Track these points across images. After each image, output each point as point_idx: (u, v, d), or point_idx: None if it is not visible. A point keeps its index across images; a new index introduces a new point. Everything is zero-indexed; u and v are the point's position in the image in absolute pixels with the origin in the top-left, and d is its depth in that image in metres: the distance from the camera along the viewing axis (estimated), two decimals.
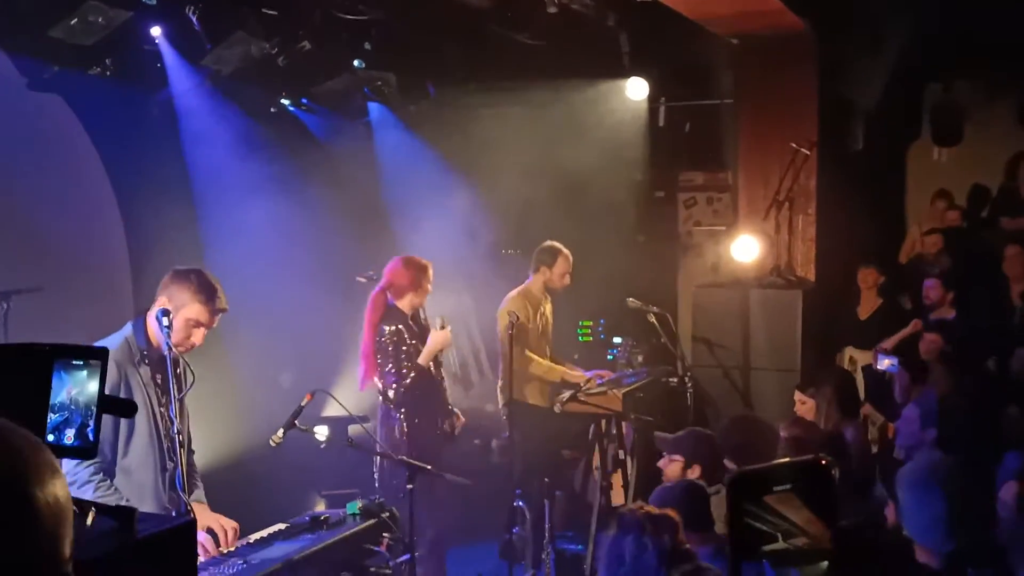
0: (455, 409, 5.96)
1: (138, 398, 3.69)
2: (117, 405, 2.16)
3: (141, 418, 3.71)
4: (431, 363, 5.64)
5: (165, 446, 3.76)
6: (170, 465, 3.76)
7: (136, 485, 3.72)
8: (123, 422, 3.68)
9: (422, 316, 5.81)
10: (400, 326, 5.56)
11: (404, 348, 5.53)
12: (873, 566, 3.14)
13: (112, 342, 3.73)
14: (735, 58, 7.93)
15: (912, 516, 3.11)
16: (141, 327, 3.80)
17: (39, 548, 1.14)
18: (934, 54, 7.98)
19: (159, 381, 3.81)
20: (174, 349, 3.66)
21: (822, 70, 7.75)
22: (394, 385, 5.53)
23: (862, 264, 7.83)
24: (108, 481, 3.64)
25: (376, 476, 5.55)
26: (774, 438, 5.33)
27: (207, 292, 3.77)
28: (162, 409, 3.79)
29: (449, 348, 5.64)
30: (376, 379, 5.64)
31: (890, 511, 3.62)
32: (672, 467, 4.77)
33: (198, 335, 3.80)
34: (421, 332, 5.67)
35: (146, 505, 3.67)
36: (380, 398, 5.68)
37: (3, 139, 5.89)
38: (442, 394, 5.82)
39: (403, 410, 5.55)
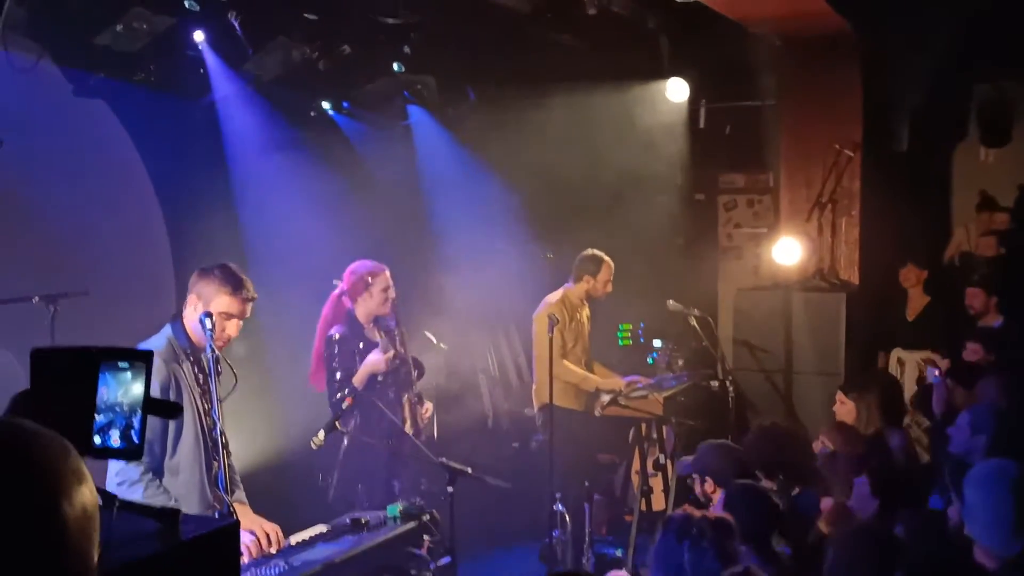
0: (425, 401, 5.52)
1: (185, 398, 3.75)
2: (162, 407, 2.18)
3: (188, 418, 3.77)
4: (395, 365, 5.28)
5: (208, 446, 3.79)
6: (214, 465, 3.80)
7: (183, 484, 3.76)
8: (172, 422, 3.73)
9: (395, 328, 5.41)
10: (347, 333, 5.25)
11: (347, 358, 5.20)
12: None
13: (156, 343, 3.79)
14: (777, 59, 7.85)
15: (978, 516, 3.11)
16: (180, 328, 3.85)
17: (67, 562, 1.14)
18: (981, 53, 7.83)
19: (200, 381, 3.85)
20: (216, 351, 3.69)
21: (866, 70, 7.65)
22: (334, 398, 5.16)
23: (900, 265, 7.69)
24: (157, 481, 3.69)
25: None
26: (805, 447, 5.25)
27: (233, 283, 3.83)
28: (205, 407, 3.82)
29: (388, 371, 5.21)
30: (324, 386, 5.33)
31: (954, 511, 3.58)
32: (696, 487, 4.73)
33: (232, 327, 3.86)
34: (384, 345, 5.27)
35: (192, 505, 3.72)
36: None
37: (49, 145, 5.98)
38: (402, 396, 5.39)
39: (346, 428, 5.00)
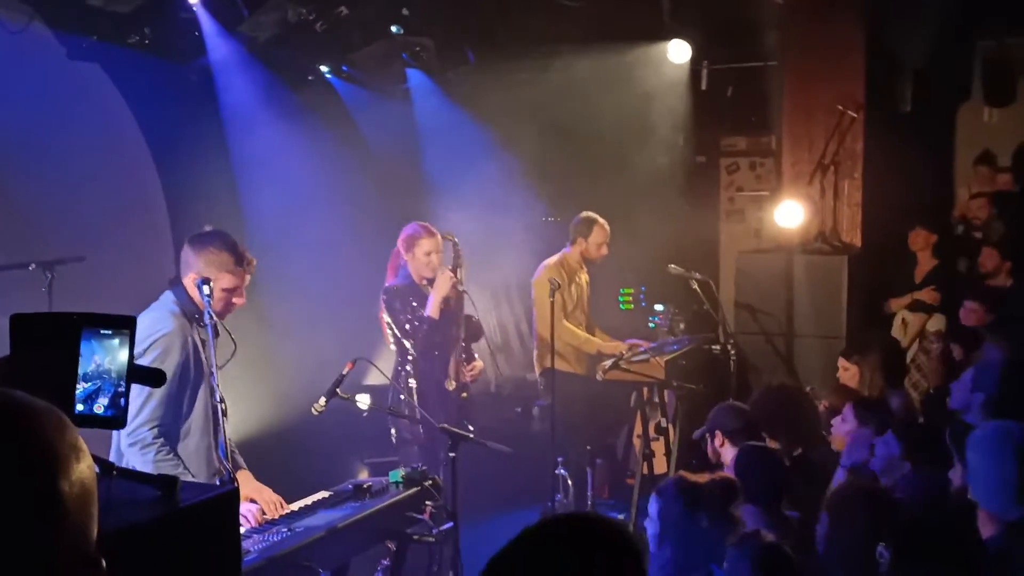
0: (472, 364, 5.86)
1: (203, 364, 3.73)
2: (147, 374, 2.15)
3: (203, 383, 3.76)
4: (444, 320, 5.58)
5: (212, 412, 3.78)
6: (218, 432, 3.80)
7: (192, 450, 3.77)
8: (188, 387, 3.73)
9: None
10: (403, 286, 5.59)
11: (406, 305, 5.53)
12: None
13: (165, 314, 3.76)
14: (779, 18, 7.73)
15: (981, 479, 3.08)
16: (183, 294, 3.81)
17: (66, 539, 1.11)
18: (986, 10, 7.73)
19: (204, 347, 3.84)
20: (214, 316, 3.66)
21: (869, 30, 7.55)
22: (411, 339, 5.52)
23: (910, 228, 7.65)
24: (168, 447, 3.68)
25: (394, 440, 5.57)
26: (810, 407, 5.25)
27: (235, 257, 3.81)
28: (212, 372, 3.80)
29: (458, 291, 5.59)
30: (386, 336, 5.64)
31: (956, 474, 3.56)
32: (708, 446, 4.73)
33: (239, 298, 3.86)
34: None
35: (200, 471, 3.73)
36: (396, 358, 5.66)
37: (43, 110, 5.91)
38: (449, 351, 5.72)
39: (410, 366, 5.52)
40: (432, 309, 5.50)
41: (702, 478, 3.52)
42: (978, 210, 8.09)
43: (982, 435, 3.15)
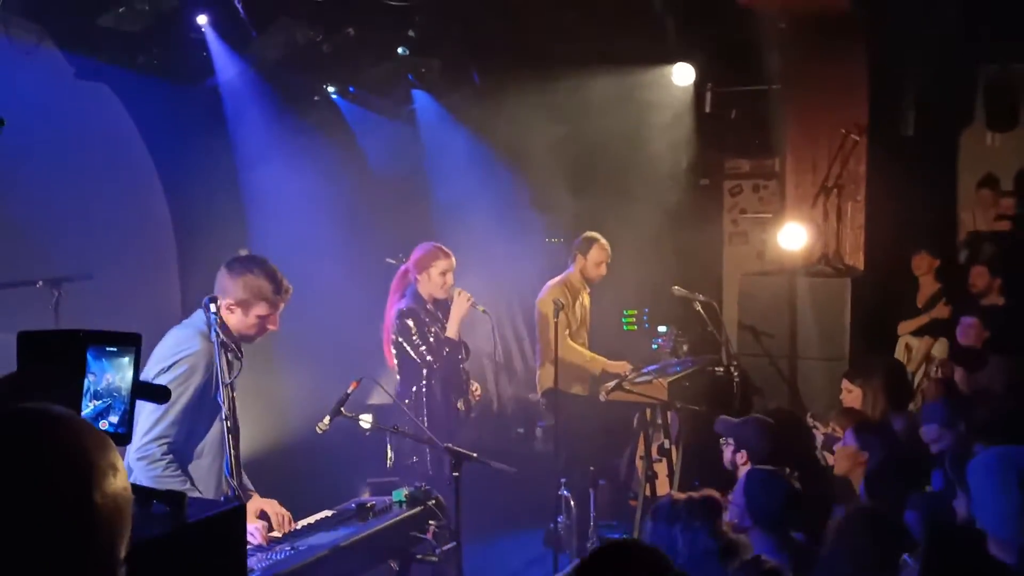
0: (473, 384, 5.87)
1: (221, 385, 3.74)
2: (152, 391, 2.16)
3: (221, 404, 3.75)
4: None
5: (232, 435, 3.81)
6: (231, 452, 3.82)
7: (205, 471, 3.79)
8: (207, 409, 3.74)
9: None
10: (414, 306, 5.55)
11: (422, 326, 5.52)
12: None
13: (194, 332, 3.77)
14: (783, 42, 7.78)
15: (986, 508, 3.02)
16: (215, 317, 3.83)
17: (95, 555, 1.13)
18: (988, 36, 7.78)
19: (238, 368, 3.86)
20: (220, 334, 3.68)
21: (872, 54, 7.60)
22: (429, 359, 5.50)
23: (915, 251, 7.68)
24: (176, 464, 3.67)
25: (413, 461, 5.56)
26: (805, 433, 5.22)
27: (274, 286, 3.83)
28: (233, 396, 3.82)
29: (470, 312, 5.59)
30: (393, 361, 5.63)
31: (960, 503, 3.51)
32: (727, 451, 4.73)
33: (272, 325, 3.89)
34: (438, 319, 5.62)
35: (209, 490, 3.73)
36: (398, 379, 5.68)
37: (52, 129, 5.95)
38: (461, 372, 5.75)
39: (425, 387, 5.53)
40: (452, 330, 5.53)
41: (685, 496, 3.54)
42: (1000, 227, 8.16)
43: (983, 462, 3.10)
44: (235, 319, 3.81)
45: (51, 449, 1.12)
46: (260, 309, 3.82)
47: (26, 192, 5.84)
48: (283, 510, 3.89)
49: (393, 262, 5.89)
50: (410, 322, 5.52)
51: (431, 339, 5.53)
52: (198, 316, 3.84)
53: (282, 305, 3.92)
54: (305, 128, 7.61)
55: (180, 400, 3.63)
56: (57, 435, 1.14)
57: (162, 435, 3.65)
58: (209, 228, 6.89)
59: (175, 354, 3.67)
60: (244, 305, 3.80)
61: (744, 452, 4.61)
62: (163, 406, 3.49)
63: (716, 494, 3.59)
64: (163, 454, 3.64)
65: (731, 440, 4.71)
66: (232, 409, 3.72)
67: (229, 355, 3.79)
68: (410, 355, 5.55)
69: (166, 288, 6.72)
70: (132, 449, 3.61)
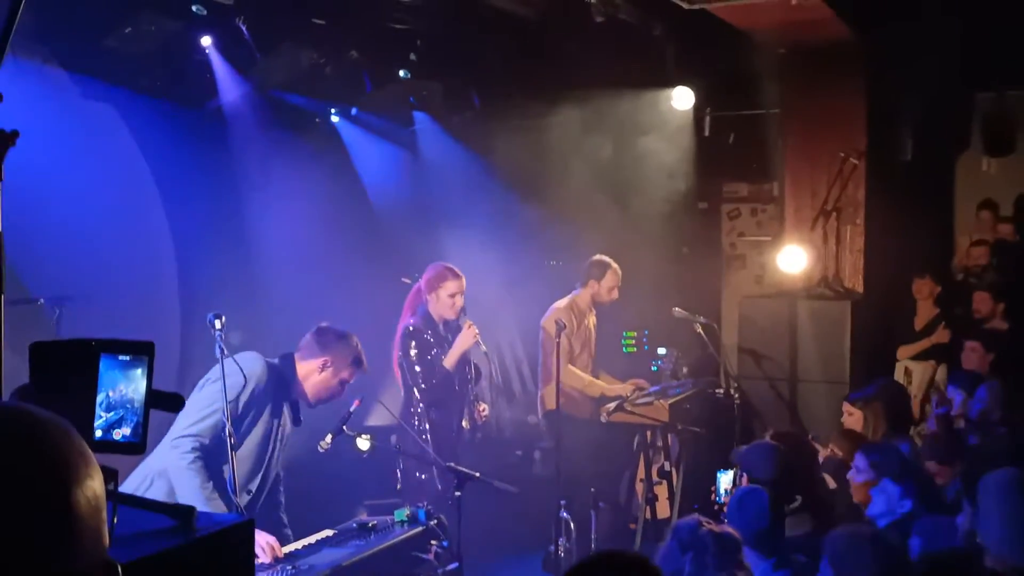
0: (480, 401, 5.91)
1: (262, 423, 4.01)
2: (165, 400, 2.16)
3: (258, 436, 4.03)
4: (459, 362, 5.65)
5: (261, 469, 4.05)
6: (254, 488, 4.01)
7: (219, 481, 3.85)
8: (241, 437, 3.92)
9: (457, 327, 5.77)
10: (422, 326, 5.60)
11: (424, 346, 5.57)
12: None
13: (264, 365, 4.06)
14: (782, 68, 7.85)
15: (991, 524, 3.05)
16: (291, 368, 4.14)
17: (79, 549, 1.13)
18: (986, 62, 7.84)
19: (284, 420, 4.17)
20: (224, 350, 3.69)
21: (870, 79, 7.65)
22: (421, 384, 5.56)
23: (917, 275, 7.71)
24: (200, 463, 3.76)
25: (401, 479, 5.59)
26: (807, 455, 5.20)
27: (361, 359, 4.23)
28: (278, 442, 4.13)
29: (475, 346, 5.63)
30: (398, 377, 5.71)
31: (964, 517, 3.54)
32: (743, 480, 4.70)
33: (342, 388, 4.24)
34: (445, 342, 5.67)
35: (216, 502, 3.75)
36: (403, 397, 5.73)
37: (56, 149, 5.97)
38: (466, 393, 5.79)
39: (422, 407, 5.59)
40: (450, 362, 5.56)
41: (709, 525, 3.53)
42: (979, 258, 8.17)
43: (994, 480, 3.13)
44: (315, 383, 4.16)
45: (23, 447, 1.12)
46: (344, 374, 4.20)
47: (28, 210, 5.83)
48: (266, 538, 3.86)
49: (408, 281, 5.96)
50: (412, 342, 5.57)
51: (428, 360, 5.56)
52: (275, 366, 4.12)
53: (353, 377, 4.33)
54: (307, 149, 7.64)
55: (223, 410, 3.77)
56: (27, 431, 1.13)
57: (199, 433, 3.77)
58: (210, 248, 6.90)
59: (248, 368, 3.90)
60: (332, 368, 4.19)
61: (746, 476, 4.59)
62: (213, 406, 3.74)
63: (736, 534, 3.58)
64: (192, 450, 3.75)
65: (740, 466, 4.69)
66: (266, 452, 4.02)
67: (287, 408, 4.17)
68: (407, 377, 5.57)
69: (167, 306, 6.72)
70: (173, 432, 3.78)
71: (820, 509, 4.64)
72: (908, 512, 4.18)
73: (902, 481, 4.25)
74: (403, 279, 6.03)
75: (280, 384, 4.09)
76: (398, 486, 5.55)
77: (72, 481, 1.12)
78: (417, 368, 5.54)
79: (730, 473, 5.52)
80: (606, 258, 6.74)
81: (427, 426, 5.53)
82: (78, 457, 1.14)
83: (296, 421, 4.20)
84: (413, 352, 5.56)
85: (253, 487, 4.00)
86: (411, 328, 5.59)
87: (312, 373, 4.13)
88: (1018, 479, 3.07)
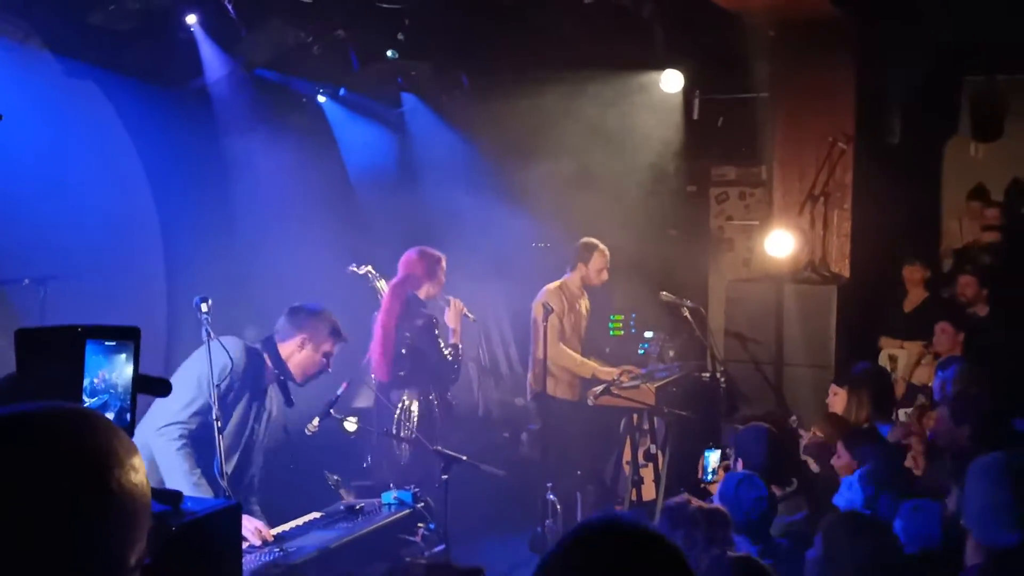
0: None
1: (242, 405, 4.02)
2: (153, 384, 2.15)
3: (236, 420, 4.03)
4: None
5: (239, 455, 4.05)
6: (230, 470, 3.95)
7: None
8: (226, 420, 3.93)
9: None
10: (430, 314, 5.69)
11: (437, 334, 5.66)
12: None
13: (248, 349, 4.09)
14: (771, 50, 7.83)
15: (974, 505, 3.07)
16: (274, 349, 4.16)
17: (108, 543, 1.13)
18: (974, 46, 7.85)
19: (271, 406, 4.22)
20: (211, 334, 3.67)
21: (859, 63, 7.64)
22: (456, 368, 5.72)
23: (907, 262, 7.74)
24: (188, 449, 3.78)
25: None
26: (791, 442, 5.23)
27: (338, 330, 4.26)
28: (255, 425, 4.12)
29: (464, 318, 5.81)
30: (383, 369, 5.67)
31: (951, 500, 3.57)
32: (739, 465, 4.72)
33: (327, 361, 4.25)
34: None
35: (204, 487, 3.74)
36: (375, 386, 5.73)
37: (40, 128, 5.92)
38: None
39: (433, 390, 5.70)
40: (456, 336, 5.73)
41: (697, 503, 3.54)
42: (987, 237, 8.23)
43: (981, 463, 3.15)
44: (297, 359, 4.18)
45: (73, 447, 1.13)
46: (325, 347, 4.23)
47: (12, 190, 5.79)
48: (255, 523, 3.84)
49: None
50: (437, 331, 5.69)
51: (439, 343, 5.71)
52: (253, 351, 4.13)
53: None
54: (293, 129, 7.59)
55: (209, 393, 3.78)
56: (76, 431, 1.14)
57: (185, 420, 3.79)
58: (196, 228, 6.85)
59: (222, 353, 3.89)
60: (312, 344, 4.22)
61: (741, 460, 4.60)
62: (192, 393, 3.78)
63: (725, 510, 3.59)
64: (180, 437, 3.77)
65: (733, 449, 4.71)
66: (245, 435, 4.04)
67: (278, 391, 4.20)
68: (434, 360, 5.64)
69: (152, 287, 6.68)
70: (153, 424, 3.76)
71: (811, 493, 4.67)
72: (872, 495, 4.21)
73: (875, 468, 4.28)
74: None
75: (260, 369, 4.10)
76: (365, 464, 5.59)
77: (116, 468, 1.14)
78: (447, 349, 5.68)
79: (717, 452, 5.56)
80: (593, 240, 6.73)
81: (415, 409, 5.55)
82: (123, 452, 1.17)
83: (288, 402, 4.21)
84: (439, 336, 5.68)
85: (229, 469, 3.95)
86: (436, 320, 5.73)
87: (294, 353, 4.17)
88: (1005, 460, 3.09)
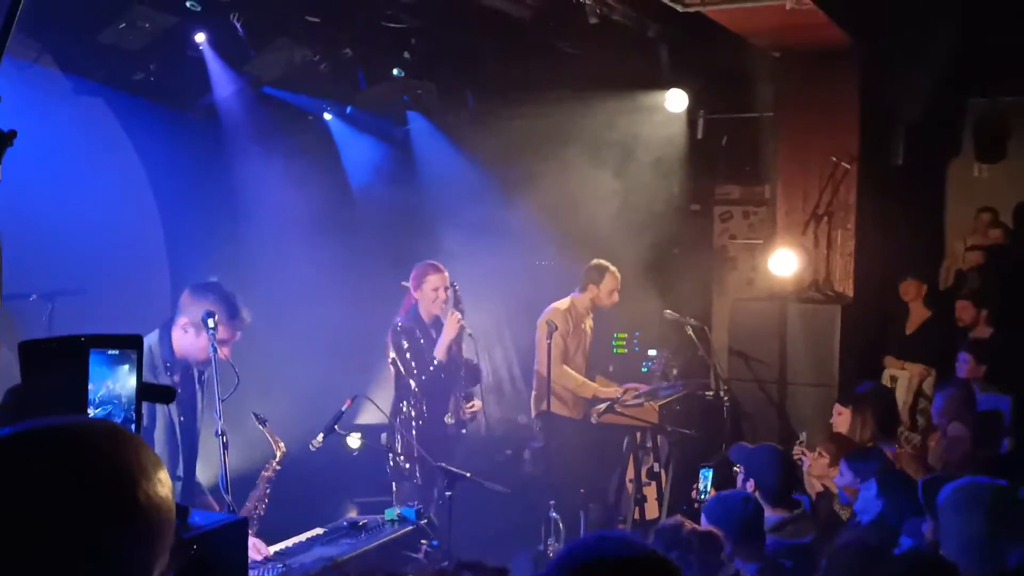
0: (475, 399, 5.99)
1: (158, 408, 3.77)
2: (156, 392, 2.17)
3: (160, 425, 3.82)
4: (448, 357, 5.75)
5: (178, 453, 3.87)
6: (182, 473, 3.89)
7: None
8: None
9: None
10: (411, 324, 5.74)
11: (415, 343, 5.68)
12: None
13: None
14: (776, 71, 7.87)
15: (951, 538, 3.05)
16: (167, 338, 3.91)
17: (135, 554, 1.14)
18: (977, 68, 7.88)
19: (179, 392, 3.88)
20: (218, 350, 3.69)
21: (863, 84, 7.68)
22: (417, 374, 5.67)
23: (902, 278, 7.75)
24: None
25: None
26: (786, 465, 5.21)
27: (230, 312, 3.92)
28: (180, 418, 3.88)
29: (462, 334, 5.78)
30: (391, 375, 5.78)
31: (929, 530, 3.55)
32: (739, 478, 4.71)
33: (223, 350, 3.89)
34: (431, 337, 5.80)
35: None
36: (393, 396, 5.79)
37: (48, 144, 5.94)
38: (452, 387, 5.87)
39: (413, 402, 5.69)
40: (440, 351, 5.66)
41: (691, 526, 3.55)
42: (972, 261, 8.22)
43: (952, 493, 3.13)
44: (181, 337, 3.92)
45: (108, 460, 1.15)
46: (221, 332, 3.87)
47: (20, 206, 5.81)
48: (251, 539, 3.83)
49: (406, 285, 6.00)
50: (402, 338, 5.67)
51: (420, 355, 5.66)
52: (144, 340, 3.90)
53: (235, 334, 4.03)
54: (300, 146, 7.63)
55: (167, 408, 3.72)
56: (108, 447, 1.16)
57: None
58: (202, 244, 6.89)
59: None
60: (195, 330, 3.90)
61: (752, 481, 4.58)
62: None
63: (718, 532, 3.59)
64: None
65: (743, 471, 4.68)
66: (174, 432, 3.86)
67: (177, 380, 3.90)
68: (401, 371, 5.60)
69: (158, 304, 6.69)
70: None
71: (818, 515, 4.67)
72: (882, 511, 4.20)
73: (881, 482, 4.28)
74: (403, 284, 6.06)
75: (150, 363, 3.84)
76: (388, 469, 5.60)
77: (143, 482, 1.16)
78: (413, 363, 5.65)
79: (712, 471, 5.54)
80: (604, 262, 6.74)
81: (419, 422, 5.56)
82: (147, 462, 1.18)
83: (216, 373, 3.80)
84: (405, 346, 5.66)
85: (180, 472, 3.92)
86: (399, 326, 5.72)
87: (179, 337, 3.95)
88: (976, 489, 3.07)
